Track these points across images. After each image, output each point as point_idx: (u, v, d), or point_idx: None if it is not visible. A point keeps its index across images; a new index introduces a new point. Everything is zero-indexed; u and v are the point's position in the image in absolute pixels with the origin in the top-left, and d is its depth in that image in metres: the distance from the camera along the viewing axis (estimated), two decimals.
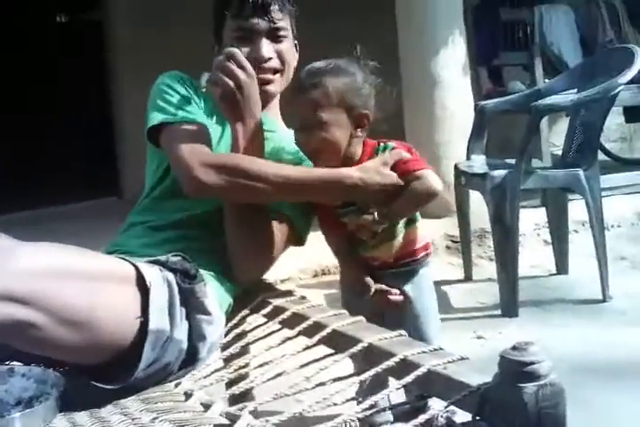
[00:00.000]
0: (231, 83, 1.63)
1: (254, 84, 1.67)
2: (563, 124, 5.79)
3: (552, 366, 1.11)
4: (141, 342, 1.39)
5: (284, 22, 1.81)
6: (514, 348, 1.12)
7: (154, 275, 1.46)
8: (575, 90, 3.77)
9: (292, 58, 1.86)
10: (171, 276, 1.49)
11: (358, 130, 1.74)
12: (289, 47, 1.84)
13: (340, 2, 5.96)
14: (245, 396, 1.43)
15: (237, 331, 1.68)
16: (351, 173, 1.67)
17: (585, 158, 3.49)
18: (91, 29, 6.92)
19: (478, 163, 3.64)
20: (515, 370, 1.09)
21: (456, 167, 3.72)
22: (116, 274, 1.42)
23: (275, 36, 1.80)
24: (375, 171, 1.68)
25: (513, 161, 3.41)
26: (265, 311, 1.71)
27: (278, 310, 1.67)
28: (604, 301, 3.36)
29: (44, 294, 1.27)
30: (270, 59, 1.79)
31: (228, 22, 1.80)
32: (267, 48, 1.78)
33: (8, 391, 1.42)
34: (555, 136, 5.41)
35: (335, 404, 1.27)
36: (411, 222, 1.82)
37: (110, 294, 1.39)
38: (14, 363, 1.46)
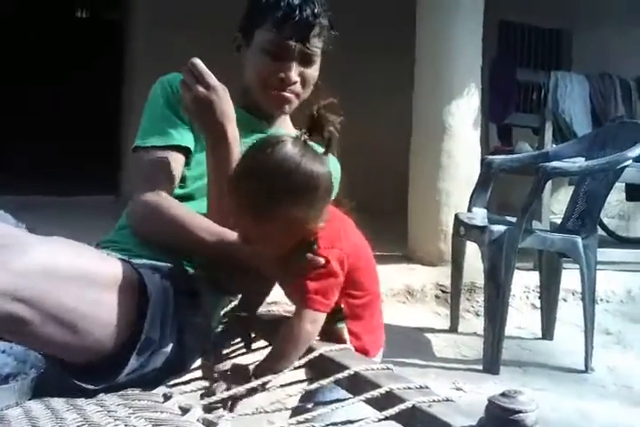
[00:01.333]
0: (188, 96, 1.59)
1: (217, 96, 1.60)
2: (564, 193, 5.87)
3: (538, 419, 1.09)
4: (129, 349, 1.38)
5: (319, 45, 1.77)
6: (503, 394, 1.10)
7: (154, 283, 1.45)
8: (582, 158, 3.81)
9: (315, 80, 1.82)
10: (169, 287, 1.48)
11: (304, 239, 1.44)
12: (314, 71, 1.80)
13: (357, 40, 6.04)
14: (221, 407, 1.40)
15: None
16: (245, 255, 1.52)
17: (585, 227, 3.51)
18: (110, 28, 7.00)
19: (479, 216, 3.66)
20: (501, 416, 1.07)
21: (457, 217, 3.73)
22: (118, 279, 1.40)
23: (305, 60, 1.76)
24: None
25: (513, 219, 3.43)
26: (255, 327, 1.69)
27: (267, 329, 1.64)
28: (585, 371, 3.35)
29: (43, 294, 1.26)
30: (296, 82, 1.76)
31: (265, 31, 1.74)
32: (295, 72, 1.75)
33: None
34: (555, 203, 5.46)
35: (314, 426, 1.24)
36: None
37: (109, 299, 1.37)
38: None
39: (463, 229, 3.60)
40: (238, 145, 1.62)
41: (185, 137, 1.74)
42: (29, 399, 1.32)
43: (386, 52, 5.91)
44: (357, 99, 6.02)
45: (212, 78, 1.59)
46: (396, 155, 4.95)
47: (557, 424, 2.59)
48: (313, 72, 1.79)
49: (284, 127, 1.89)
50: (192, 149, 1.75)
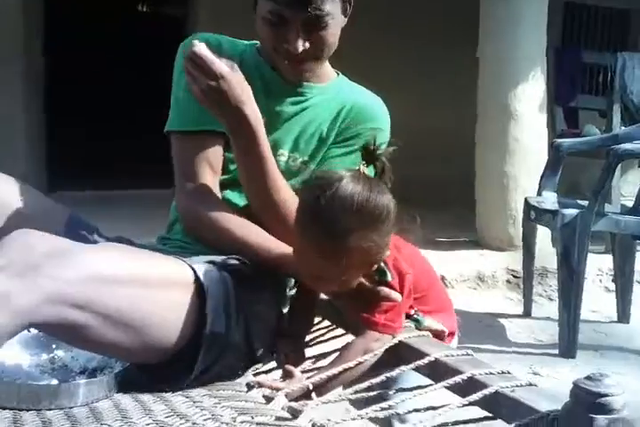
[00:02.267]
0: (195, 89, 1.48)
1: (228, 84, 1.46)
2: (633, 175, 5.75)
3: (626, 402, 1.08)
4: (198, 346, 1.38)
5: (328, 7, 1.55)
6: (588, 378, 1.09)
7: (211, 278, 1.43)
8: None
9: (335, 40, 1.63)
10: (228, 278, 1.47)
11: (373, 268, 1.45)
12: (332, 32, 1.60)
13: (426, 28, 6.00)
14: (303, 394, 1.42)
15: None
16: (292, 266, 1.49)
17: None
18: (172, 24, 7.04)
19: (550, 200, 3.61)
20: (587, 400, 1.06)
21: (526, 202, 3.69)
22: (172, 278, 1.40)
23: (311, 25, 1.56)
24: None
25: (584, 202, 3.38)
26: (332, 315, 1.70)
27: (343, 315, 1.65)
28: None
29: (98, 300, 1.26)
30: (304, 51, 1.59)
31: (263, 4, 1.58)
32: (299, 41, 1.57)
33: (74, 358, 1.45)
34: (625, 186, 5.35)
35: (397, 413, 1.25)
36: None
37: (166, 298, 1.37)
38: None
39: (534, 214, 3.56)
40: (261, 124, 1.53)
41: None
42: (117, 392, 1.35)
43: (451, 38, 5.86)
44: (425, 85, 6.02)
45: (217, 66, 1.45)
46: (463, 140, 4.91)
47: (636, 409, 2.54)
48: (326, 35, 1.59)
49: (319, 80, 1.73)
50: None
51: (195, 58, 1.44)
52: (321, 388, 1.37)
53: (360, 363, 1.42)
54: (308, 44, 1.58)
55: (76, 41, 8.23)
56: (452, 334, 1.64)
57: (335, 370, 1.39)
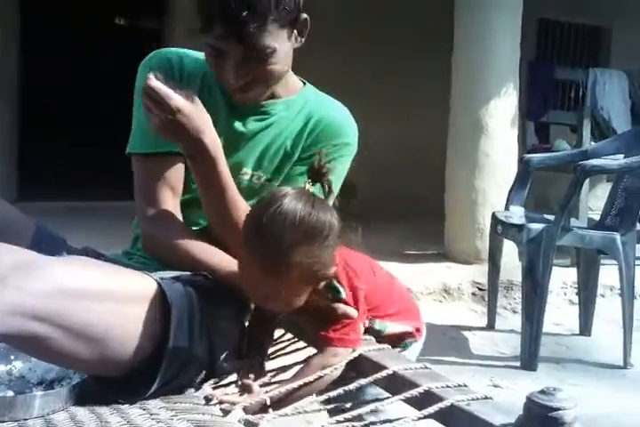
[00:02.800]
0: (154, 122, 1.46)
1: (186, 116, 1.45)
2: (601, 189, 5.82)
3: (577, 416, 1.09)
4: (159, 360, 1.36)
5: (267, 41, 1.48)
6: (542, 391, 1.10)
7: (176, 291, 1.43)
8: (621, 155, 3.78)
9: (282, 67, 1.57)
10: (193, 292, 1.46)
11: (317, 286, 1.44)
12: (276, 63, 1.54)
13: (397, 39, 6.03)
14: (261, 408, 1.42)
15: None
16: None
17: (623, 223, 3.49)
18: (149, 37, 7.04)
19: (517, 214, 3.64)
20: (540, 414, 1.08)
21: (494, 216, 3.72)
22: (137, 292, 1.39)
23: (253, 59, 1.51)
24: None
25: (551, 217, 3.42)
26: (293, 328, 1.71)
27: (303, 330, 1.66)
28: (624, 367, 3.33)
29: (63, 313, 1.26)
30: (246, 82, 1.56)
31: (202, 33, 1.53)
32: (239, 75, 1.53)
33: (32, 370, 1.43)
34: (593, 199, 5.41)
35: (354, 426, 1.25)
36: None
37: (130, 312, 1.36)
38: None
39: (500, 228, 3.59)
40: (220, 150, 1.52)
41: None
42: (74, 404, 1.34)
43: (423, 51, 5.90)
44: (394, 98, 6.05)
45: (174, 100, 1.42)
46: (432, 154, 4.95)
47: (597, 420, 2.57)
48: (268, 68, 1.53)
49: (284, 93, 1.70)
50: None
51: (150, 92, 1.42)
52: (279, 402, 1.37)
53: (319, 378, 1.42)
54: (249, 78, 1.55)
55: (53, 50, 8.21)
56: (418, 330, 1.66)
57: (294, 384, 1.39)
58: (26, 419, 1.26)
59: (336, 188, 1.57)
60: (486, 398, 1.28)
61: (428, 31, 5.86)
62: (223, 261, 1.57)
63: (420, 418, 1.24)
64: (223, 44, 1.49)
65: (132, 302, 1.37)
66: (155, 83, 1.42)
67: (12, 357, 1.47)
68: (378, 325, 1.58)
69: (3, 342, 1.35)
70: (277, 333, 1.76)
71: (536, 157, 3.87)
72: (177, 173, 1.63)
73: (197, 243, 1.59)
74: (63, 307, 1.26)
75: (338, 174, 1.67)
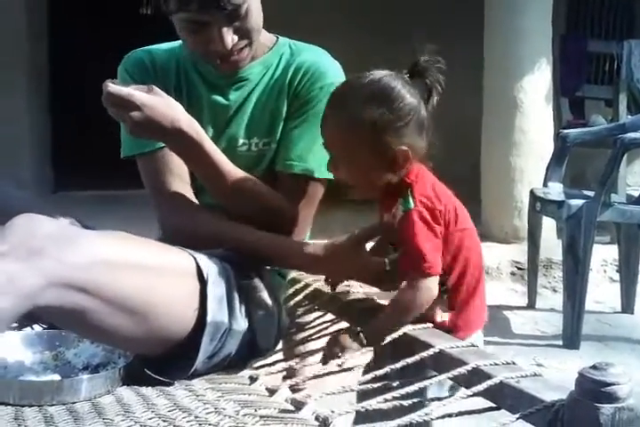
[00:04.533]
0: (125, 124, 1.47)
1: (152, 110, 1.43)
2: (638, 165, 5.72)
3: (632, 390, 1.07)
4: (200, 335, 1.38)
5: (234, 2, 1.50)
6: (594, 367, 1.09)
7: (212, 267, 1.45)
8: None
9: (259, 20, 1.59)
10: (229, 268, 1.48)
11: (394, 167, 1.45)
12: (253, 17, 1.55)
13: (428, 22, 5.97)
14: (303, 386, 1.41)
15: (304, 324, 1.67)
16: (317, 251, 1.54)
17: None
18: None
19: (555, 190, 3.60)
20: (593, 389, 1.06)
21: (532, 193, 3.68)
22: (175, 266, 1.41)
23: (234, 18, 1.52)
24: (344, 254, 1.52)
25: (590, 193, 3.37)
26: (334, 308, 1.70)
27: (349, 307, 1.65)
28: None
29: (102, 284, 1.27)
30: (234, 44, 1.56)
31: (174, 15, 1.54)
32: (229, 39, 1.53)
33: (77, 355, 1.45)
34: (631, 176, 5.33)
35: (401, 404, 1.24)
36: None
37: (168, 286, 1.38)
38: None
39: (539, 205, 3.54)
40: (201, 132, 1.52)
41: None
42: (120, 387, 1.35)
43: (457, 29, 5.83)
44: None
45: (135, 97, 1.42)
46: (467, 133, 4.89)
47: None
48: (249, 23, 1.55)
49: (257, 54, 1.68)
50: None
51: (111, 98, 1.41)
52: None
53: (409, 301, 1.43)
54: (235, 38, 1.54)
55: (81, 42, 8.21)
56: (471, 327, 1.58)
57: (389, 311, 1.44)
58: (74, 402, 1.27)
59: None
60: (535, 375, 1.26)
61: (459, 8, 5.78)
62: (260, 234, 1.57)
63: (468, 396, 1.22)
64: (204, 14, 1.49)
65: (171, 276, 1.38)
66: (112, 88, 1.41)
67: (57, 343, 1.49)
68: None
69: (44, 316, 1.35)
70: (317, 314, 1.75)
71: (573, 132, 3.82)
72: (179, 161, 1.61)
73: (226, 222, 1.59)
74: (103, 278, 1.27)
75: None
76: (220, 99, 1.67)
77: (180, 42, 1.70)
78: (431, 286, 1.43)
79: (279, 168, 1.65)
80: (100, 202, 5.06)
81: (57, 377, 1.39)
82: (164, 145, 1.59)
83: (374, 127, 1.40)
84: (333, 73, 1.67)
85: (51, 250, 1.21)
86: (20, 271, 1.17)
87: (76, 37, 7.79)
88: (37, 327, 1.53)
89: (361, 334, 1.41)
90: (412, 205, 1.44)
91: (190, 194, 1.64)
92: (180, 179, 1.63)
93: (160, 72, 1.69)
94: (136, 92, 1.42)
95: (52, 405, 1.26)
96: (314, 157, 1.62)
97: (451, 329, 1.52)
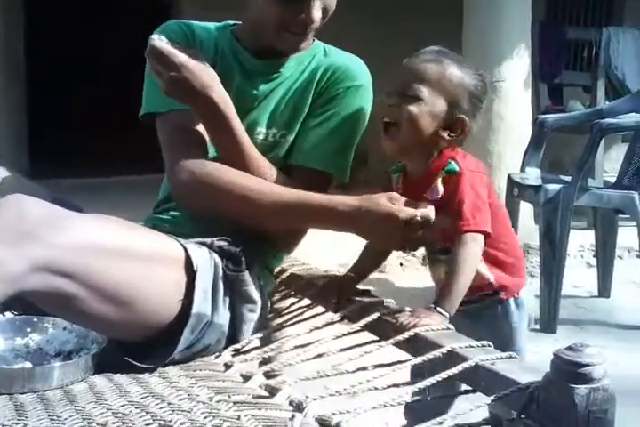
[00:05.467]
0: (161, 81, 1.48)
1: (191, 73, 1.46)
2: (616, 151, 5.74)
3: (607, 371, 1.07)
4: (182, 325, 1.37)
5: None
6: (569, 348, 1.09)
7: (202, 257, 1.44)
8: (637, 113, 3.72)
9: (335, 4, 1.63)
10: (218, 259, 1.47)
11: (447, 132, 1.53)
12: (334, 2, 1.61)
13: (408, 5, 5.96)
14: (280, 372, 1.41)
15: (280, 310, 1.66)
16: (349, 201, 1.49)
17: None
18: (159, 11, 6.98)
19: (533, 175, 3.61)
20: (568, 370, 1.06)
21: (510, 178, 3.69)
22: (164, 254, 1.40)
23: None
24: (377, 203, 1.48)
25: (567, 178, 3.38)
26: (310, 293, 1.69)
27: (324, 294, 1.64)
28: None
29: (89, 269, 1.26)
30: (315, 24, 1.60)
31: None
32: (318, 13, 1.56)
33: (49, 342, 1.43)
34: (607, 162, 5.34)
35: (376, 388, 1.23)
36: None
37: (156, 274, 1.37)
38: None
39: (517, 190, 3.55)
40: (230, 105, 1.52)
41: None
42: (93, 374, 1.34)
43: (434, 14, 5.81)
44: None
45: (177, 57, 1.45)
46: None
47: (617, 380, 2.55)
48: (331, 4, 1.60)
49: (302, 52, 1.71)
50: None
51: (154, 52, 1.45)
52: (452, 297, 1.43)
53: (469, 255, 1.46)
54: (320, 14, 1.57)
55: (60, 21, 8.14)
56: (505, 287, 1.63)
57: (458, 277, 1.44)
58: (45, 390, 1.26)
59: (357, 130, 1.66)
60: (511, 357, 1.26)
61: None
62: (280, 187, 1.55)
63: (444, 379, 1.22)
64: None
65: (160, 265, 1.37)
66: (159, 43, 1.44)
67: (29, 329, 1.47)
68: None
69: (30, 299, 1.33)
70: (293, 300, 1.74)
71: (551, 117, 3.83)
72: (200, 129, 1.60)
73: (242, 173, 1.54)
74: (91, 264, 1.26)
75: (354, 114, 1.66)
76: (249, 87, 1.67)
77: (215, 25, 1.73)
78: (481, 243, 1.48)
79: (293, 161, 1.66)
80: (79, 190, 5.01)
81: (28, 364, 1.38)
82: (188, 107, 1.57)
83: (468, 90, 1.53)
84: (361, 76, 1.70)
85: (41, 234, 1.20)
86: (8, 256, 1.17)
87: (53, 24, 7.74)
88: (9, 314, 1.50)
89: (439, 308, 1.42)
90: (457, 168, 1.51)
91: (205, 155, 1.59)
92: (198, 144, 1.59)
93: (198, 44, 1.68)
94: (178, 53, 1.45)
95: (24, 393, 1.25)
96: (328, 154, 1.64)
97: (498, 290, 1.61)
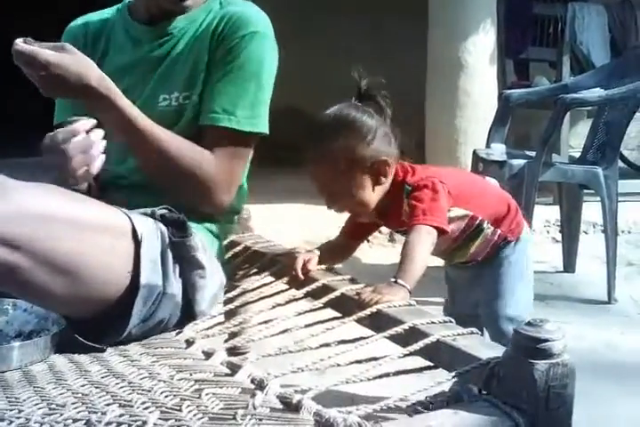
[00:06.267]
0: (36, 82, 1.44)
1: (60, 68, 1.41)
2: (581, 127, 5.77)
3: (566, 346, 1.08)
4: (133, 297, 1.36)
5: None
6: (528, 324, 1.10)
7: (147, 227, 1.41)
8: (602, 89, 3.73)
9: None
10: (164, 228, 1.44)
11: (381, 178, 1.68)
12: None
13: None
14: (245, 350, 1.41)
15: (243, 287, 1.65)
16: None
17: (605, 158, 3.45)
18: None
19: (498, 151, 3.60)
20: (527, 346, 1.07)
21: (475, 153, 3.68)
22: (109, 224, 1.37)
23: None
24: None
25: (532, 153, 3.39)
26: (273, 270, 1.68)
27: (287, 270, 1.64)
28: (608, 302, 3.33)
29: (33, 238, 1.23)
30: None
31: None
32: None
33: (9, 323, 1.42)
34: (572, 138, 5.37)
35: (339, 365, 1.24)
36: (479, 234, 1.85)
37: (102, 244, 1.34)
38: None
39: (482, 165, 3.55)
40: (114, 88, 1.48)
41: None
42: (53, 355, 1.33)
43: None
44: (373, 37, 5.93)
45: (39, 55, 1.39)
46: (412, 94, 4.87)
47: (582, 354, 2.58)
48: None
49: (194, 11, 1.70)
50: None
51: (19, 57, 1.39)
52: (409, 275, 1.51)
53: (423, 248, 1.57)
54: None
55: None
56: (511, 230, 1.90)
57: (412, 259, 1.54)
58: (3, 371, 1.24)
59: (264, 80, 1.64)
60: (472, 333, 1.27)
61: None
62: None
63: (405, 355, 1.23)
64: None
65: (103, 234, 1.34)
66: (19, 46, 1.39)
67: None
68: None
69: None
70: (257, 277, 1.73)
71: (516, 92, 3.82)
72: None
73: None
74: (35, 232, 1.23)
75: (257, 63, 1.63)
76: (143, 55, 1.67)
77: (117, 6, 1.76)
78: (433, 234, 1.59)
79: (202, 122, 1.61)
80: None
81: None
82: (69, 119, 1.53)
83: (347, 153, 1.62)
84: (257, 21, 1.65)
85: None
86: None
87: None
88: None
89: (399, 281, 1.47)
90: (410, 188, 1.68)
91: None
92: None
93: (90, 40, 1.74)
94: (41, 50, 1.40)
95: None
96: (239, 110, 1.59)
97: (507, 235, 1.88)
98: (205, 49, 1.63)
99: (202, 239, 1.53)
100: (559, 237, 4.01)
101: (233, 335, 1.50)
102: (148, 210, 1.47)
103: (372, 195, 1.67)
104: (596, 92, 3.56)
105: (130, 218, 1.39)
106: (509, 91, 3.88)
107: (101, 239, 1.34)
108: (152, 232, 1.41)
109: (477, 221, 1.82)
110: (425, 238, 1.58)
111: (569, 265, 3.78)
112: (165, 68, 1.65)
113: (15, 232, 1.20)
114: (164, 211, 1.47)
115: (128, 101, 1.50)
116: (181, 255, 1.45)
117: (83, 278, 1.31)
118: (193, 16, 1.68)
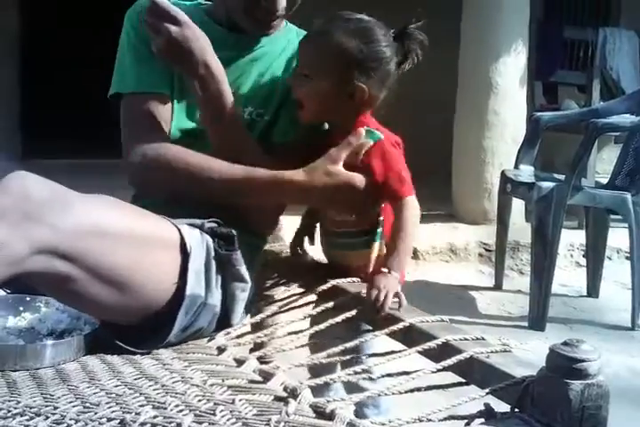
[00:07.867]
0: (158, 40, 1.44)
1: (192, 32, 1.45)
2: (608, 152, 5.75)
3: (602, 367, 1.07)
4: (176, 307, 1.36)
5: None
6: (565, 343, 1.10)
7: (194, 238, 1.42)
8: (632, 114, 3.73)
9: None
10: (210, 240, 1.45)
11: (351, 101, 1.56)
12: None
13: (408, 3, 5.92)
14: (269, 359, 1.41)
15: (273, 296, 1.65)
16: (295, 175, 1.48)
17: (634, 184, 3.45)
18: None
19: (526, 173, 3.61)
20: (563, 365, 1.06)
21: (503, 174, 3.69)
22: (160, 236, 1.39)
23: None
24: (323, 171, 1.48)
25: (560, 176, 3.39)
26: (304, 280, 1.68)
27: (318, 281, 1.63)
28: (632, 329, 3.32)
29: (88, 252, 1.25)
30: (279, 11, 1.60)
31: None
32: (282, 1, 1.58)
33: (42, 321, 1.42)
34: (599, 163, 5.35)
35: (371, 378, 1.23)
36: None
37: (152, 256, 1.35)
38: None
39: (510, 186, 3.55)
40: (223, 73, 1.50)
41: (165, 80, 1.60)
42: (85, 355, 1.33)
43: (433, 10, 5.79)
44: None
45: (180, 14, 1.43)
46: (441, 113, 4.88)
47: (607, 380, 2.56)
48: None
49: (276, 35, 1.71)
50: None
51: (155, 9, 1.42)
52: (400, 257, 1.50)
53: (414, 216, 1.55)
54: (284, 2, 1.58)
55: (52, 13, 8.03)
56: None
57: (404, 238, 1.52)
58: (37, 368, 1.25)
59: None
60: (505, 351, 1.26)
61: None
62: (237, 166, 1.52)
63: (438, 370, 1.22)
64: None
65: (156, 247, 1.36)
66: (160, 1, 1.42)
67: (22, 308, 1.46)
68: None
69: (26, 280, 1.30)
70: (285, 286, 1.73)
71: (546, 115, 3.82)
72: (168, 114, 1.58)
73: (200, 154, 1.52)
74: (92, 247, 1.25)
75: None
76: (224, 63, 1.58)
77: (185, 3, 1.70)
78: (418, 206, 1.57)
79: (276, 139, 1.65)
80: (71, 170, 4.98)
81: (21, 343, 1.36)
82: (161, 92, 1.56)
83: (349, 57, 1.53)
84: None
85: (45, 216, 1.19)
86: (10, 237, 1.15)
87: (46, 7, 7.62)
88: (1, 292, 1.49)
89: (393, 273, 1.47)
90: (380, 135, 1.57)
91: (165, 141, 1.57)
92: (162, 129, 1.56)
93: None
94: (179, 10, 1.44)
95: (16, 370, 1.24)
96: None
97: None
98: (281, 73, 1.66)
99: (243, 253, 1.53)
100: (583, 261, 4.01)
101: (260, 345, 1.50)
102: (198, 221, 1.47)
103: (332, 106, 1.57)
104: (628, 118, 3.57)
105: (179, 230, 1.41)
106: (540, 113, 3.88)
107: (153, 252, 1.35)
108: (199, 244, 1.42)
109: None
110: (417, 214, 1.56)
111: (593, 290, 3.77)
112: (246, 79, 1.65)
113: (71, 246, 1.22)
114: (214, 224, 1.48)
115: (230, 91, 1.52)
116: (225, 268, 1.45)
117: (132, 290, 1.32)
118: (275, 39, 1.69)
